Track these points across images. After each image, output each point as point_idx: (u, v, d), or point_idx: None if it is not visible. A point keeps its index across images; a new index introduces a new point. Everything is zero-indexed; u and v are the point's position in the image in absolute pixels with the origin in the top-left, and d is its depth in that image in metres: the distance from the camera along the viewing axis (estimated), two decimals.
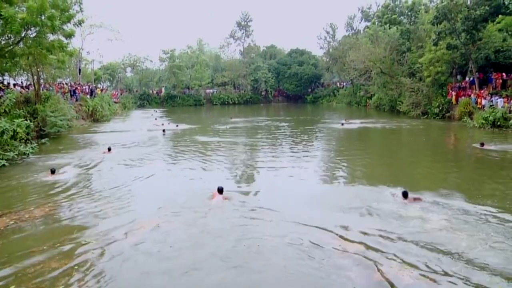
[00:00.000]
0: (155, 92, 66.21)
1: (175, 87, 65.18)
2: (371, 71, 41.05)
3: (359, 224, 7.71)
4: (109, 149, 16.39)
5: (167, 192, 10.48)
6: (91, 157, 15.53)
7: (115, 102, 45.06)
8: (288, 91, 68.36)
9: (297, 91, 67.48)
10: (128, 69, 69.37)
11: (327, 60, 63.61)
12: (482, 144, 15.77)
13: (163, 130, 23.21)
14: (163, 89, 66.63)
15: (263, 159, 15.29)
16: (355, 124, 27.96)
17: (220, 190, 9.20)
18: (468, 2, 26.65)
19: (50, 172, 12.01)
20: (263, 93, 68.36)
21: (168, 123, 27.87)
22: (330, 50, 61.76)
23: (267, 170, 13.19)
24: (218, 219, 8.20)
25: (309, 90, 68.49)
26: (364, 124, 27.91)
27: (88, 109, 32.30)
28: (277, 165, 13.77)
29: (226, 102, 64.14)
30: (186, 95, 64.74)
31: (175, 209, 8.94)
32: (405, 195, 8.84)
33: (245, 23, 67.79)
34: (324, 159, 15.48)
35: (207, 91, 66.60)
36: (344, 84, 62.68)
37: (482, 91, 26.63)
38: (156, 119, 34.70)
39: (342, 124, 27.02)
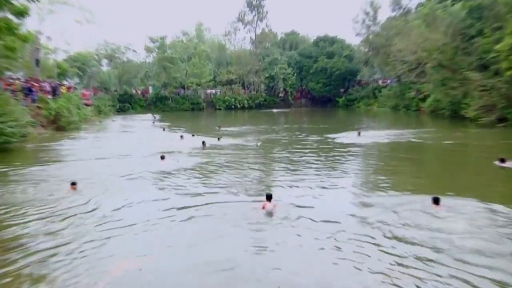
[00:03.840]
0: (139, 92, 66.67)
1: (166, 86, 65.71)
2: (425, 64, 40.68)
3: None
4: (162, 158, 18.08)
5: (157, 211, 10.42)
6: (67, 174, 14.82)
7: (87, 105, 45.28)
8: (314, 91, 68.71)
9: (325, 91, 67.85)
10: (104, 61, 70.33)
11: (366, 50, 64.22)
12: (503, 160, 16.24)
13: (203, 142, 24.34)
14: (150, 89, 67.09)
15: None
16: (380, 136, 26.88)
17: (269, 197, 11.11)
18: None
19: (70, 185, 12.70)
20: (281, 95, 68.80)
21: (193, 135, 28.08)
22: (370, 37, 61.99)
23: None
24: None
25: (342, 90, 68.99)
26: (412, 138, 26.40)
27: (50, 114, 32.20)
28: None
29: (232, 106, 64.24)
30: (180, 97, 65.18)
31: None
32: (436, 201, 10.67)
33: (258, 2, 67.97)
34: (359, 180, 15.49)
35: (208, 91, 67.00)
36: (389, 82, 62.97)
37: None
38: (164, 129, 34.05)
39: (359, 133, 27.21)
